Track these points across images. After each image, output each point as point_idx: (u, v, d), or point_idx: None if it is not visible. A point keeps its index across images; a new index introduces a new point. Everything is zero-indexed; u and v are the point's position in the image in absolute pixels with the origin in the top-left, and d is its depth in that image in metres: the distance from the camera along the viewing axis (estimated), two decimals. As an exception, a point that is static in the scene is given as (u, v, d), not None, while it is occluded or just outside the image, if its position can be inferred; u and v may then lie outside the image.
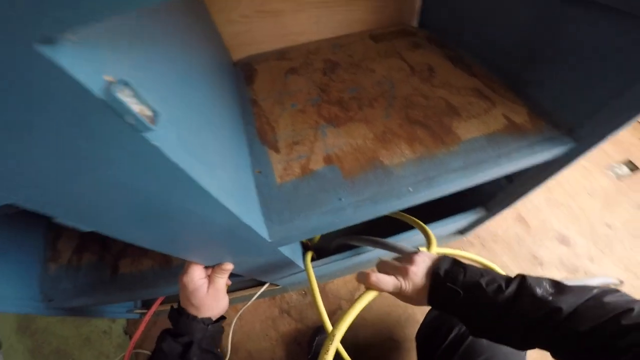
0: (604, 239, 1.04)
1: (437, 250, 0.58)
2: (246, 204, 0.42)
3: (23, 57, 0.14)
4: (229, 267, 0.50)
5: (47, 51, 0.14)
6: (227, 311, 0.53)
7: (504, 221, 1.10)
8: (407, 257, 0.47)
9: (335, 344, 0.43)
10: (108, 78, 0.17)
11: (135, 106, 0.18)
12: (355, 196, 0.48)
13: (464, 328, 0.58)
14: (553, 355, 0.36)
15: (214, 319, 0.50)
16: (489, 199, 0.79)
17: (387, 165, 0.51)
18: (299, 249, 0.78)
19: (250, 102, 0.67)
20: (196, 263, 0.48)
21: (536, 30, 0.53)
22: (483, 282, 0.39)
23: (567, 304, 0.34)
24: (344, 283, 1.01)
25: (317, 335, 0.88)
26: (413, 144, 0.53)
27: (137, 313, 0.97)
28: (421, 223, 0.66)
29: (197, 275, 0.47)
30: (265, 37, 0.80)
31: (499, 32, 0.61)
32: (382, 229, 0.74)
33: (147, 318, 0.79)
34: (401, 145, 0.53)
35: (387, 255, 0.57)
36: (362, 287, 0.48)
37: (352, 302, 0.47)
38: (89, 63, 0.16)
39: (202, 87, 0.42)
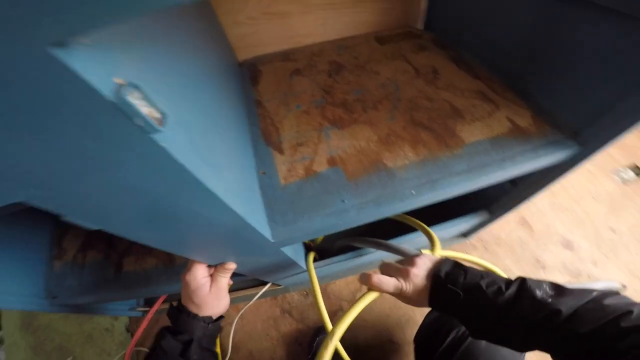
0: (608, 243, 1.03)
1: (440, 252, 0.58)
2: (251, 205, 0.42)
3: (37, 60, 0.14)
4: (232, 266, 0.50)
5: (60, 54, 0.14)
6: (228, 310, 0.53)
7: (507, 224, 1.09)
8: (409, 259, 0.48)
9: (335, 342, 0.43)
10: (118, 81, 0.17)
11: (144, 108, 0.18)
12: (359, 198, 0.48)
13: (461, 331, 0.58)
14: (553, 357, 0.36)
15: (214, 318, 0.50)
16: (493, 202, 0.78)
17: (391, 168, 0.51)
18: (301, 249, 0.79)
19: (255, 103, 0.67)
20: (199, 262, 0.48)
21: (539, 33, 0.53)
22: (483, 284, 0.40)
23: (566, 306, 0.34)
24: (346, 284, 1.01)
25: (317, 336, 0.88)
26: (417, 147, 0.53)
27: (140, 311, 0.98)
28: (424, 225, 0.66)
29: (200, 273, 0.48)
30: (272, 38, 0.80)
31: (503, 34, 0.61)
32: (385, 230, 0.74)
33: (149, 316, 0.79)
34: (405, 148, 0.53)
35: (389, 258, 0.57)
36: (364, 289, 0.48)
37: (353, 303, 0.47)
38: (100, 66, 0.16)
39: (209, 88, 0.42)
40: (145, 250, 0.68)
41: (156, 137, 0.20)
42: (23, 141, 0.17)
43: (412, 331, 0.70)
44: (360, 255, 0.81)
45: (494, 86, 0.61)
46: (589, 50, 0.45)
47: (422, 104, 0.60)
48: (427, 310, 0.71)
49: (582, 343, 0.32)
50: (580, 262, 1.00)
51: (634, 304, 0.33)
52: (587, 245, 1.03)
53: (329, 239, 0.81)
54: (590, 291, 0.36)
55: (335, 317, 0.93)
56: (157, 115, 0.19)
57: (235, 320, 0.96)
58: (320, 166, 0.53)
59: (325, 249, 0.86)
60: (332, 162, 0.53)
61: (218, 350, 0.87)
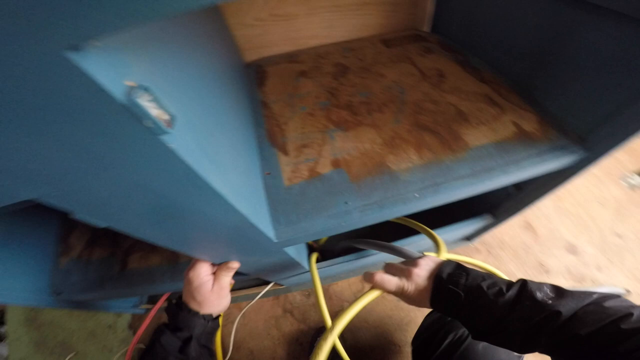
0: (613, 248, 1.02)
1: (446, 255, 0.58)
2: (255, 206, 0.42)
3: (52, 62, 0.14)
4: (235, 265, 0.50)
5: (74, 57, 0.14)
6: (231, 309, 0.53)
7: (511, 228, 1.08)
8: (412, 260, 0.48)
9: (335, 336, 0.43)
10: (129, 83, 0.17)
11: (154, 110, 0.19)
12: (362, 200, 0.48)
13: (459, 334, 0.58)
14: (553, 359, 0.36)
15: (214, 316, 0.50)
16: (497, 206, 0.78)
17: (394, 171, 0.51)
18: (304, 250, 0.79)
19: (260, 104, 0.68)
20: (203, 260, 0.49)
21: (547, 37, 0.52)
22: (484, 285, 0.40)
23: (566, 308, 0.34)
24: (348, 285, 1.01)
25: (318, 336, 0.88)
26: (421, 150, 0.53)
27: (143, 308, 0.99)
28: (428, 229, 0.66)
29: (203, 271, 0.48)
30: (278, 40, 0.80)
31: (510, 38, 0.61)
32: (389, 232, 0.74)
33: (152, 314, 0.80)
34: (409, 151, 0.53)
35: (392, 260, 0.57)
36: (366, 290, 0.49)
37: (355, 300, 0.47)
38: (112, 68, 0.17)
39: (216, 90, 0.42)
40: (150, 248, 0.68)
41: (164, 138, 0.20)
42: (37, 141, 0.18)
43: (413, 333, 0.70)
44: (363, 257, 0.81)
45: (500, 90, 0.61)
46: (597, 55, 0.45)
47: (427, 107, 0.60)
48: (427, 312, 0.71)
49: (582, 345, 0.32)
50: (584, 267, 0.99)
51: (635, 306, 0.33)
52: (592, 250, 1.02)
53: (332, 239, 0.81)
54: (590, 293, 0.35)
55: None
56: (166, 117, 0.19)
57: (237, 319, 0.96)
58: (324, 168, 0.53)
59: (328, 249, 0.86)
60: (336, 164, 0.53)
61: (218, 348, 0.87)
